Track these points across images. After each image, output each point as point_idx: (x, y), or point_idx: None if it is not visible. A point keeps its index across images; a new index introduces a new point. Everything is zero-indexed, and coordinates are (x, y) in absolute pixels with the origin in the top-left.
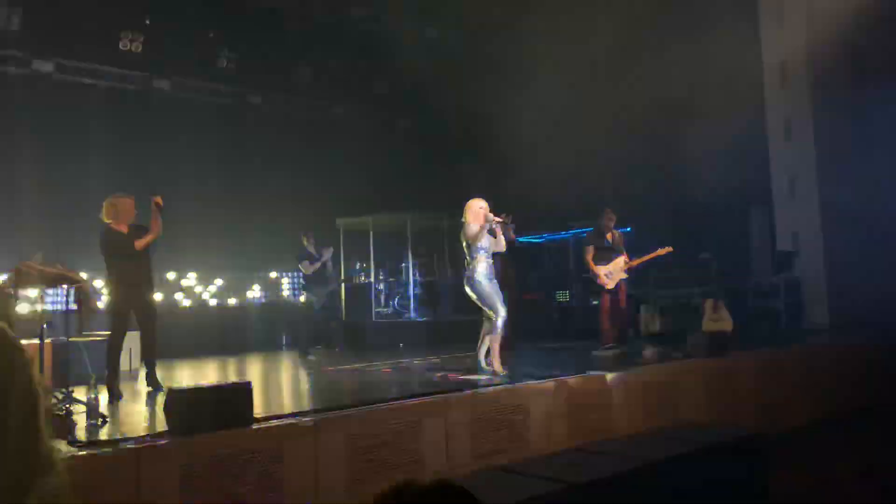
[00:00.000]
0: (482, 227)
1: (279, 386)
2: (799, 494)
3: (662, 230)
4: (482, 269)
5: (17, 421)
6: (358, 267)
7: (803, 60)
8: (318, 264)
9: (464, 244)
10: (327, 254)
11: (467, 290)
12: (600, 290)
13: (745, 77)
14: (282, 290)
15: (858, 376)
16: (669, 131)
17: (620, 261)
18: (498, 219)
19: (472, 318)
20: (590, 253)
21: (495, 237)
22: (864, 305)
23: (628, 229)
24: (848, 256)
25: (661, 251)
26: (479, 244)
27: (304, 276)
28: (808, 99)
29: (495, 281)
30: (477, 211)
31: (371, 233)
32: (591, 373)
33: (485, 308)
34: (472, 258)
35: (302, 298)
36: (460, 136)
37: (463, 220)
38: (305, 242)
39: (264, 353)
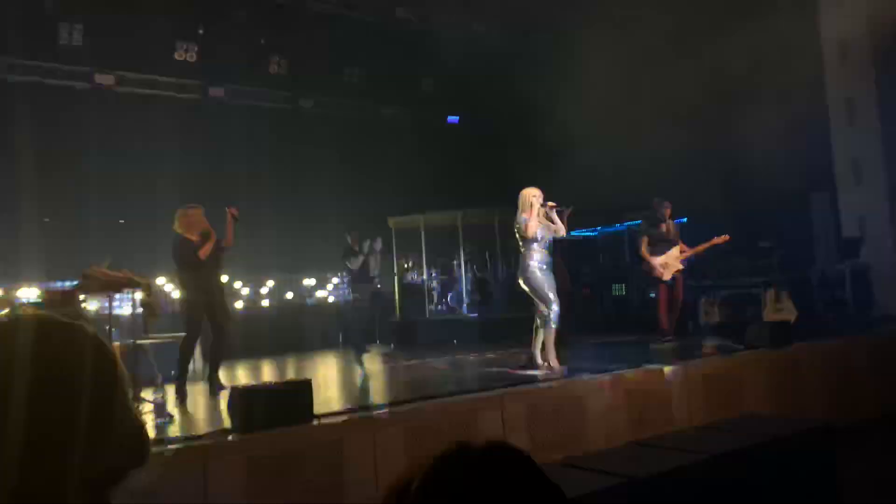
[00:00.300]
0: (533, 216)
1: (336, 383)
2: (871, 487)
3: (720, 219)
4: (536, 259)
5: (122, 412)
6: (407, 266)
7: (865, 35)
8: (361, 258)
9: (517, 236)
10: (376, 245)
11: (520, 282)
12: (657, 282)
13: (803, 55)
14: (333, 288)
15: None
16: (725, 116)
17: (676, 251)
18: (551, 203)
19: (526, 314)
20: (644, 244)
21: (553, 223)
22: None
23: (684, 220)
24: None
25: (717, 240)
26: (532, 234)
27: (350, 274)
28: (871, 77)
29: (550, 273)
30: (529, 200)
31: (422, 231)
32: (650, 366)
33: (537, 301)
34: (526, 249)
35: (350, 296)
36: (510, 130)
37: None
38: (350, 241)
39: (319, 352)
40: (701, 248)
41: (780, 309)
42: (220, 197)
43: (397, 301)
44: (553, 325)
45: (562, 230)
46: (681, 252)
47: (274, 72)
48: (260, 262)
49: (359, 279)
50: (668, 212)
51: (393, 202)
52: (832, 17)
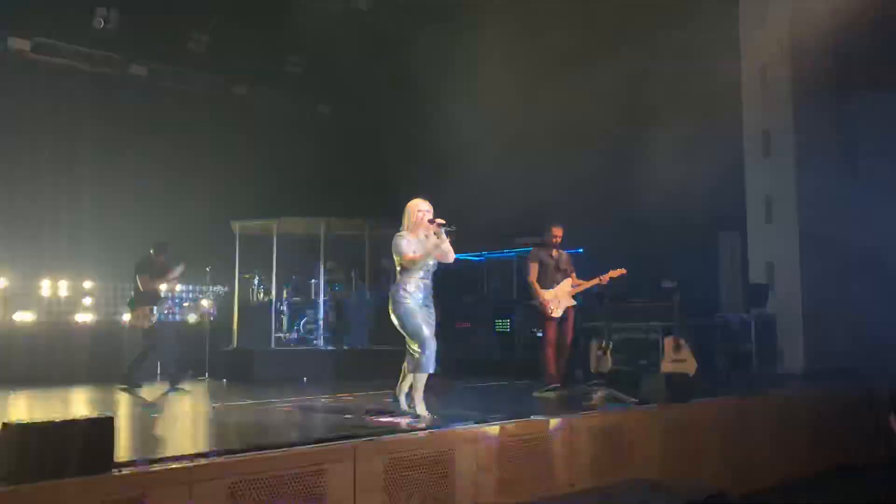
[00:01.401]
0: (418, 235)
1: (147, 424)
2: None
3: (618, 254)
4: (413, 287)
5: None
6: (253, 282)
7: (786, 63)
8: (159, 281)
9: (395, 256)
10: (176, 272)
11: (391, 313)
12: (545, 319)
13: (720, 82)
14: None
15: (839, 430)
16: (631, 143)
17: (567, 284)
18: (440, 221)
19: (394, 348)
20: (534, 271)
21: (438, 247)
22: (846, 348)
23: (579, 250)
24: (828, 292)
25: (613, 273)
26: (411, 259)
27: (136, 292)
28: (789, 107)
29: (430, 307)
30: (416, 215)
31: (275, 240)
32: (532, 417)
33: (408, 338)
34: (404, 274)
35: (127, 317)
36: (390, 128)
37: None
38: (154, 255)
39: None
40: (595, 281)
41: (679, 360)
42: None
43: (235, 325)
44: (427, 371)
45: (451, 255)
46: (573, 286)
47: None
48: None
49: (144, 300)
50: (558, 236)
51: (240, 203)
52: (755, 41)
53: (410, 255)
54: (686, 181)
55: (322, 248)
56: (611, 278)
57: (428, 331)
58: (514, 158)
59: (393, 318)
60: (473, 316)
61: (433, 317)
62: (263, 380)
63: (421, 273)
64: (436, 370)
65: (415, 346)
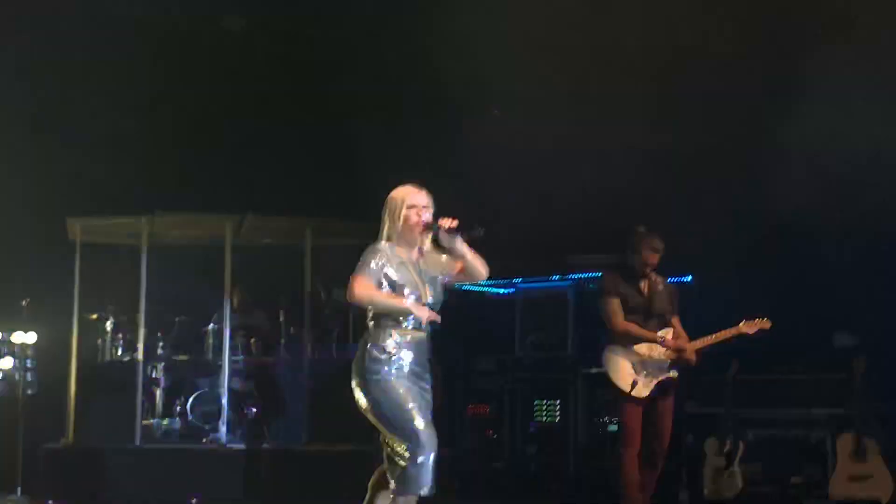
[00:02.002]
0: (404, 242)
1: None
2: None
3: (757, 289)
4: (390, 346)
5: None
6: (95, 318)
7: None
8: None
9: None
10: None
11: (354, 388)
12: (622, 401)
13: None
14: None
15: None
16: (776, 78)
17: (667, 336)
18: (448, 222)
19: (355, 447)
20: (616, 311)
21: (452, 254)
22: None
23: (688, 279)
24: None
25: (746, 327)
26: (368, 295)
27: None
28: None
29: (423, 379)
30: (402, 213)
31: (144, 252)
32: None
33: (386, 432)
34: (375, 322)
35: None
36: (351, 61)
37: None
38: None
39: None
40: (714, 338)
41: (863, 475)
42: None
43: (71, 404)
44: (419, 491)
45: (481, 269)
46: (675, 341)
47: None
48: None
49: None
50: (653, 255)
51: (84, 190)
52: None
53: (364, 290)
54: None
55: (227, 267)
56: (743, 334)
57: (422, 420)
58: (567, 121)
59: (359, 397)
60: (496, 394)
61: (429, 396)
62: (120, 501)
63: (406, 321)
64: (431, 490)
65: (399, 447)
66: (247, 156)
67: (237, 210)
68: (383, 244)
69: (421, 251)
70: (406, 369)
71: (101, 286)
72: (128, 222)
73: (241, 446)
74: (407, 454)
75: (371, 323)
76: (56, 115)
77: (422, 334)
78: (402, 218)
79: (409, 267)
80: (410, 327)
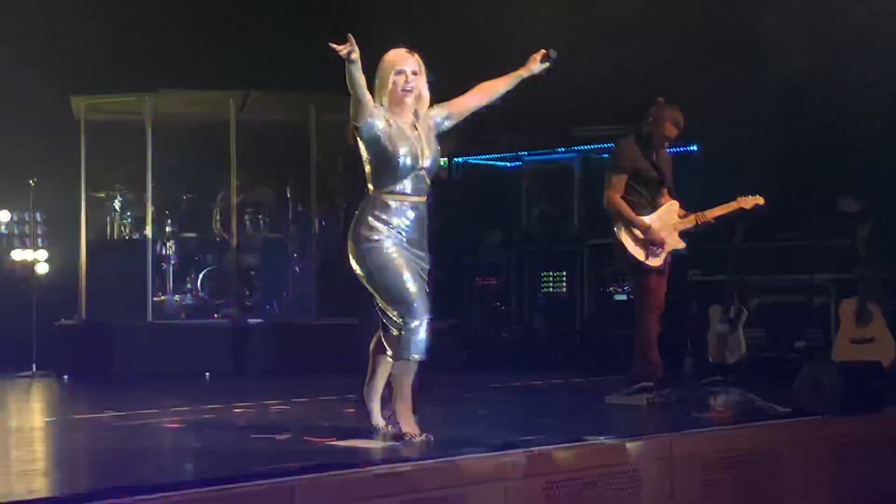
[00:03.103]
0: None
1: None
2: None
3: (761, 158)
4: (384, 213)
5: None
6: (102, 197)
7: None
8: None
9: (363, 153)
10: None
11: (349, 256)
12: (637, 268)
13: None
14: None
15: None
16: None
17: (673, 210)
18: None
19: (363, 320)
20: (618, 184)
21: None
22: None
23: (693, 148)
24: None
25: (744, 201)
26: (384, 151)
27: None
28: None
29: (418, 249)
30: (389, 77)
31: (149, 130)
32: (601, 439)
33: (380, 299)
34: (374, 185)
35: None
36: None
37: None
38: None
39: None
40: (716, 212)
41: (866, 338)
42: None
43: (82, 282)
44: (413, 355)
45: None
46: (683, 214)
47: None
48: None
49: None
50: (672, 128)
51: (87, 66)
52: None
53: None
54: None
55: (232, 144)
56: (742, 209)
57: (415, 286)
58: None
59: (354, 265)
60: (504, 265)
61: (426, 264)
62: (133, 376)
63: (402, 184)
64: (423, 356)
65: (392, 314)
66: (250, 31)
67: (241, 86)
68: (372, 108)
69: (416, 114)
70: (403, 237)
71: (108, 165)
72: (132, 100)
73: (251, 321)
74: (400, 320)
75: (370, 187)
76: None
77: (420, 199)
78: (390, 83)
79: (404, 129)
80: (409, 192)
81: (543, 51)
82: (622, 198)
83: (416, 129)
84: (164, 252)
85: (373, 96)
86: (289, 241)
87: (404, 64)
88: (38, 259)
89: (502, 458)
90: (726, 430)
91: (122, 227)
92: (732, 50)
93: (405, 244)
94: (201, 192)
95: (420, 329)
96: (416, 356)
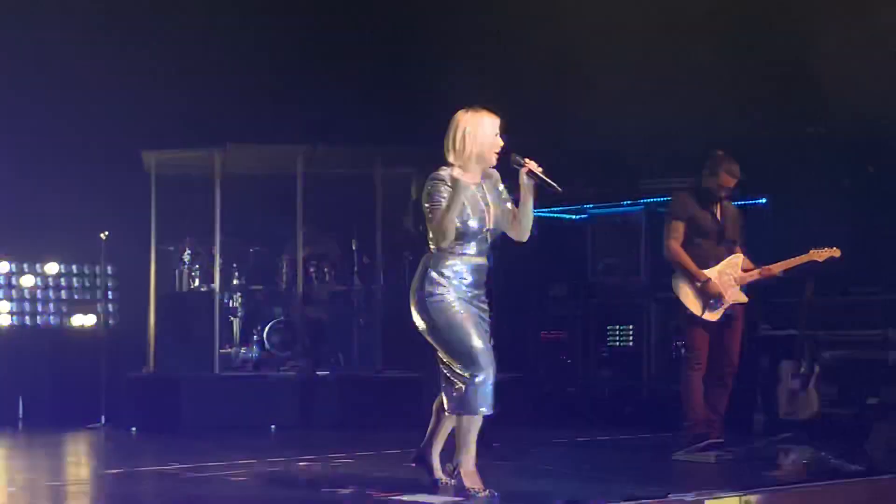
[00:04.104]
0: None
1: None
2: None
3: (831, 210)
4: (448, 271)
5: None
6: (182, 259)
7: None
8: None
9: (426, 210)
10: None
11: (413, 311)
12: (691, 322)
13: None
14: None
15: None
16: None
17: (737, 262)
18: (529, 162)
19: (418, 374)
20: (677, 233)
21: (522, 193)
22: None
23: (762, 202)
24: None
25: (817, 254)
26: (445, 228)
27: None
28: None
29: (480, 304)
30: (476, 139)
31: (217, 183)
32: (670, 497)
33: (444, 354)
34: (434, 249)
35: None
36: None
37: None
38: None
39: None
40: (784, 265)
41: None
42: None
43: (151, 335)
44: (481, 409)
45: (526, 228)
46: (744, 269)
47: None
48: None
49: None
50: (728, 178)
51: (158, 120)
52: None
53: (439, 213)
54: None
55: (299, 198)
56: (814, 261)
57: (479, 340)
58: (637, 55)
59: (417, 320)
60: (569, 319)
61: (488, 318)
62: (200, 428)
63: (467, 246)
64: (490, 410)
65: (456, 368)
66: (317, 85)
67: (308, 140)
68: (446, 171)
69: (483, 174)
70: (463, 294)
71: (177, 218)
72: (201, 154)
73: (317, 374)
74: (465, 374)
75: (432, 246)
76: (131, 46)
77: (482, 260)
78: (474, 145)
79: (474, 192)
80: (472, 253)
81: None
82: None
83: (483, 191)
84: (231, 304)
85: (446, 147)
86: (354, 293)
87: (491, 126)
88: (90, 323)
89: None
90: (798, 489)
91: (191, 280)
92: (803, 99)
93: (467, 300)
94: (268, 244)
95: (487, 382)
96: (484, 409)
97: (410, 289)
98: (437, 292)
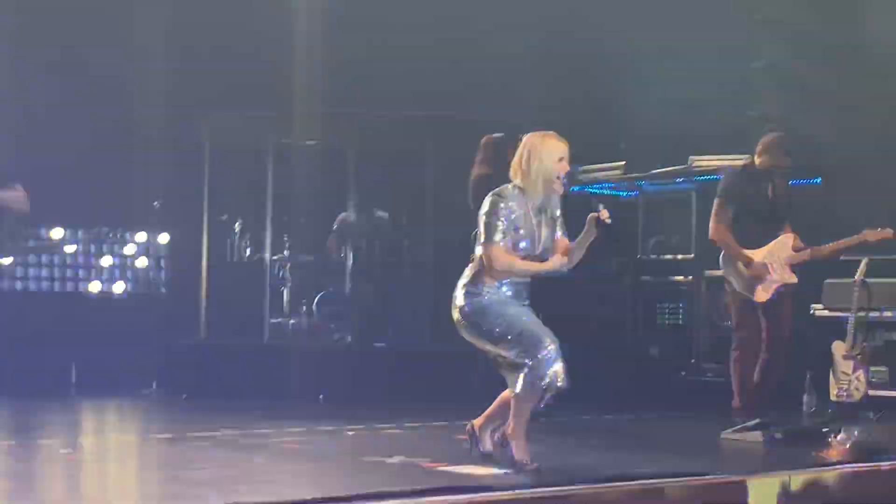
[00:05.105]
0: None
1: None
2: None
3: (886, 190)
4: (490, 282)
5: None
6: (226, 220)
7: None
8: None
9: (481, 222)
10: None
11: (453, 312)
12: (738, 303)
13: None
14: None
15: None
16: None
17: (787, 242)
18: (604, 213)
19: (467, 348)
20: (723, 214)
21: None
22: None
23: (817, 180)
24: None
25: (871, 234)
26: (497, 257)
27: None
28: None
29: (523, 297)
30: (543, 163)
31: (270, 154)
32: (716, 475)
33: (494, 346)
34: (483, 242)
35: None
36: None
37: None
38: None
39: None
40: (835, 246)
41: None
42: None
43: (203, 302)
44: (530, 391)
45: (574, 260)
46: (795, 249)
47: None
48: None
49: None
50: (784, 158)
51: (212, 85)
52: None
53: (502, 260)
54: None
55: (351, 170)
56: (866, 242)
57: (529, 321)
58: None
59: (460, 325)
60: (617, 297)
61: (527, 309)
62: (250, 395)
63: (518, 248)
64: (563, 379)
65: (509, 353)
66: (371, 55)
67: (362, 111)
68: (509, 189)
69: (547, 198)
70: (510, 290)
71: (230, 188)
72: (256, 123)
73: (366, 345)
74: (522, 355)
75: (478, 257)
76: (189, 16)
77: (525, 279)
78: (540, 168)
79: (529, 215)
80: (517, 247)
81: (594, 215)
82: (733, 230)
83: (541, 214)
84: (281, 274)
85: (513, 168)
86: (404, 266)
87: (565, 152)
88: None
89: (614, 490)
90: (848, 469)
91: (242, 250)
92: (858, 76)
93: (515, 297)
94: (319, 215)
95: (552, 357)
96: (549, 381)
97: (454, 297)
98: (482, 293)
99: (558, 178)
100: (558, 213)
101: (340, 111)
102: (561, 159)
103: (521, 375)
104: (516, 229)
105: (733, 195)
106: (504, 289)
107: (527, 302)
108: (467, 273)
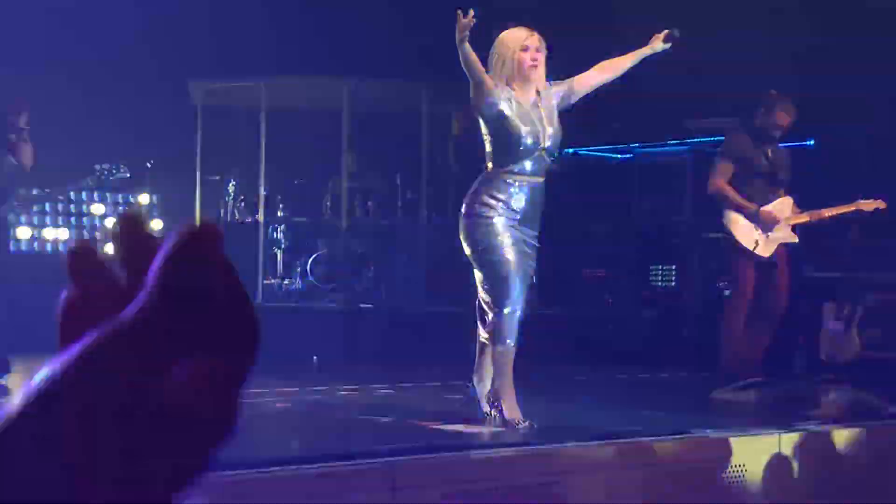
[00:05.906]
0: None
1: None
2: None
3: (879, 151)
4: (501, 193)
5: None
6: (218, 179)
7: None
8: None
9: (483, 130)
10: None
11: (461, 235)
12: (739, 259)
13: None
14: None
15: None
16: None
17: (787, 204)
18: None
19: (461, 309)
20: (724, 173)
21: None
22: None
23: (810, 143)
24: None
25: (865, 204)
26: (506, 131)
27: None
28: None
29: (529, 231)
30: (500, 56)
31: (263, 116)
32: (707, 432)
33: (479, 276)
34: (493, 163)
35: None
36: None
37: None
38: None
39: None
40: (832, 211)
41: None
42: None
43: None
44: (508, 343)
45: (613, 75)
46: (795, 210)
47: None
48: None
49: None
50: (783, 117)
51: (205, 53)
52: None
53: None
54: None
55: (345, 131)
56: (858, 210)
57: (517, 272)
58: None
59: (463, 240)
60: (612, 258)
61: (535, 242)
62: None
63: (522, 164)
64: (512, 343)
65: (490, 296)
66: (365, 18)
67: (355, 73)
68: (496, 92)
69: (538, 92)
70: (517, 215)
71: (223, 149)
72: (248, 86)
73: (359, 306)
74: (496, 305)
75: (489, 164)
76: None
77: (538, 180)
78: (516, 60)
79: (528, 109)
80: (528, 172)
81: (666, 31)
82: (735, 190)
83: (539, 108)
84: (275, 236)
85: (490, 75)
86: (398, 227)
87: (529, 41)
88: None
89: (604, 448)
90: (837, 429)
91: (235, 211)
92: (854, 44)
93: (517, 223)
94: (313, 177)
95: (514, 315)
96: (510, 341)
97: (463, 204)
98: (487, 214)
99: (529, 65)
100: (555, 101)
101: (336, 73)
102: (525, 48)
103: (493, 327)
104: (516, 127)
105: (736, 156)
106: (511, 204)
107: (533, 226)
108: (470, 194)
